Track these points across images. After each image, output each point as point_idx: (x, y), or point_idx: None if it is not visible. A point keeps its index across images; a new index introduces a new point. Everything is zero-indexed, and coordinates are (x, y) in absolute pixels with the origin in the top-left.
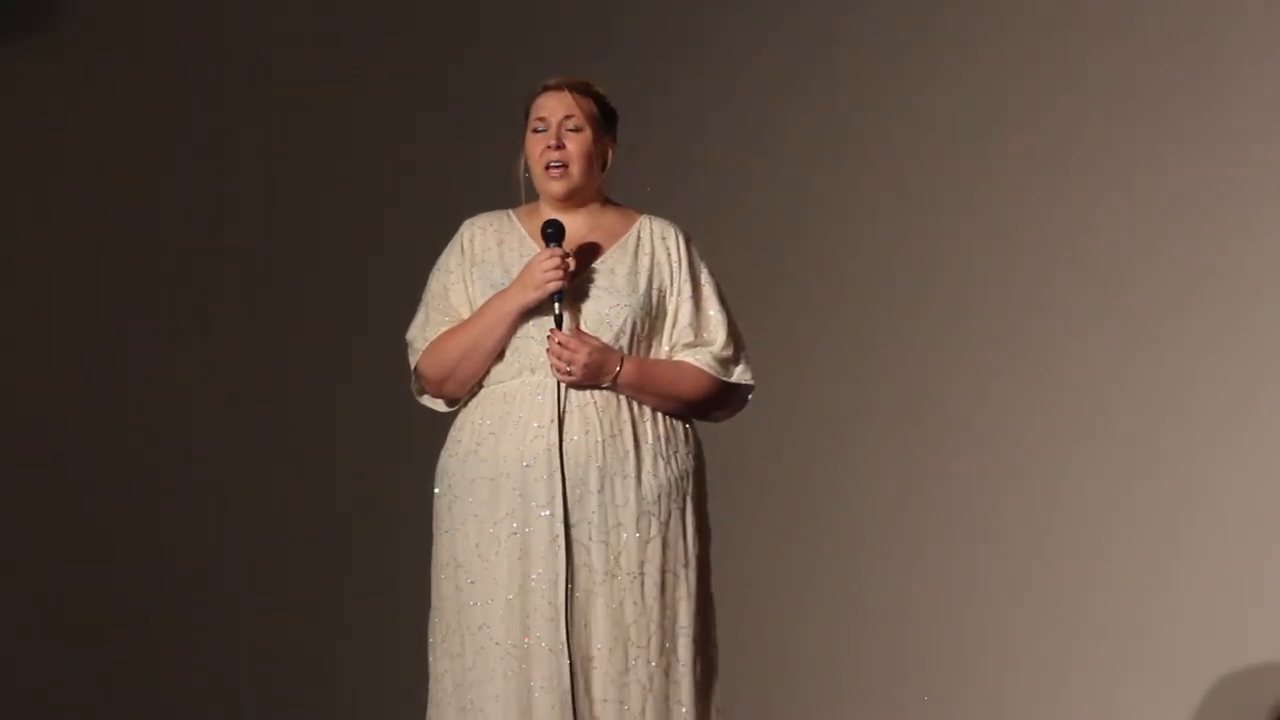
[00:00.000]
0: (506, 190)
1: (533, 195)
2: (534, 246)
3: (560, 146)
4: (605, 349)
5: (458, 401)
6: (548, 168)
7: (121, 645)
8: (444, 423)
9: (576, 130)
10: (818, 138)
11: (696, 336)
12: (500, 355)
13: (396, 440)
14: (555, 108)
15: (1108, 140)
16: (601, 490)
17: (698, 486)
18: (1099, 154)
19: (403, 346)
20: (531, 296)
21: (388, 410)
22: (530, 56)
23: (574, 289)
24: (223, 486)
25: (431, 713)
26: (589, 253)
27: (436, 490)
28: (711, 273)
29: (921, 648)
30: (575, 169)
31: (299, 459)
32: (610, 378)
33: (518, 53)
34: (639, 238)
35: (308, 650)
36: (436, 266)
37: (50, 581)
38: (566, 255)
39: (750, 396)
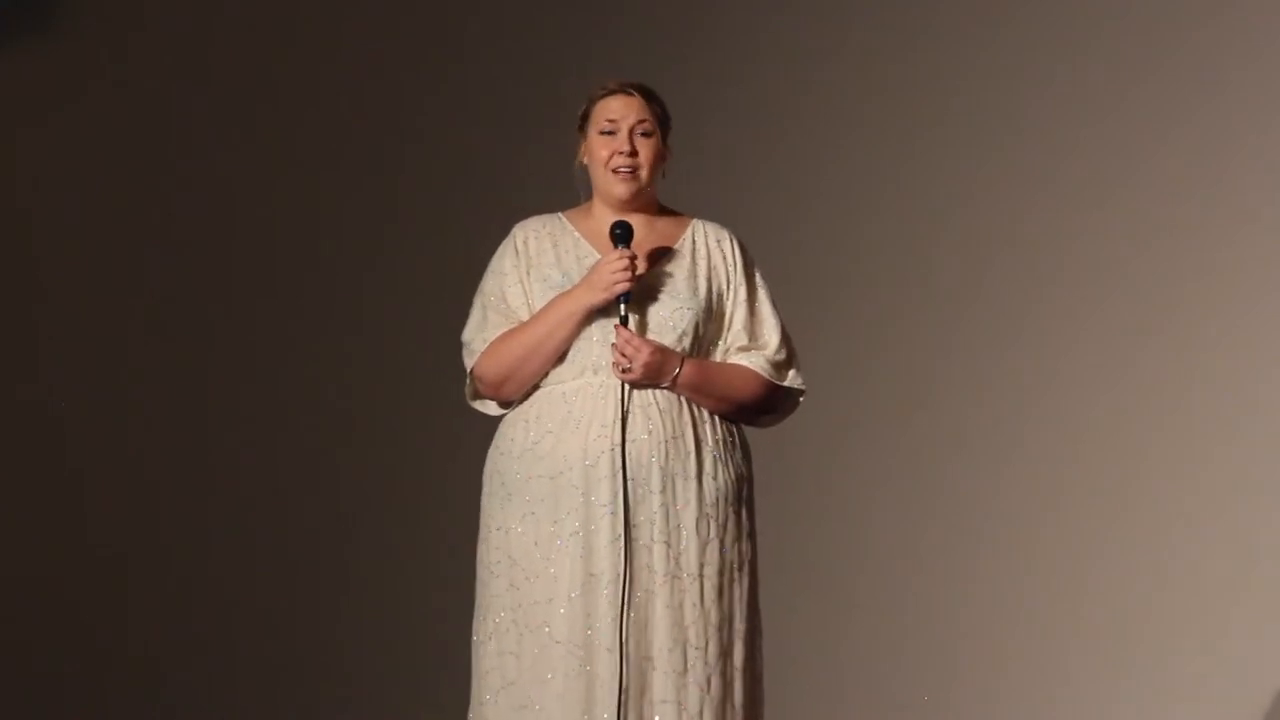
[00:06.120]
0: (506, 189)
1: (587, 196)
2: (589, 248)
3: (634, 152)
4: (666, 349)
5: (510, 404)
6: (616, 170)
7: (122, 644)
8: (450, 422)
9: (647, 135)
10: (816, 137)
11: (751, 340)
12: (561, 356)
13: (399, 440)
14: (626, 111)
15: (1108, 139)
16: (664, 491)
17: (750, 491)
18: (1099, 153)
19: (399, 347)
20: (599, 298)
21: (393, 410)
22: (530, 57)
23: (637, 292)
24: (225, 487)
25: (475, 711)
26: (649, 256)
27: (485, 488)
28: (764, 277)
29: (921, 648)
30: (645, 173)
31: (300, 458)
32: (670, 378)
33: (519, 53)
34: (693, 242)
35: (308, 651)
36: (490, 269)
37: (51, 582)
38: (634, 257)
39: (801, 402)
